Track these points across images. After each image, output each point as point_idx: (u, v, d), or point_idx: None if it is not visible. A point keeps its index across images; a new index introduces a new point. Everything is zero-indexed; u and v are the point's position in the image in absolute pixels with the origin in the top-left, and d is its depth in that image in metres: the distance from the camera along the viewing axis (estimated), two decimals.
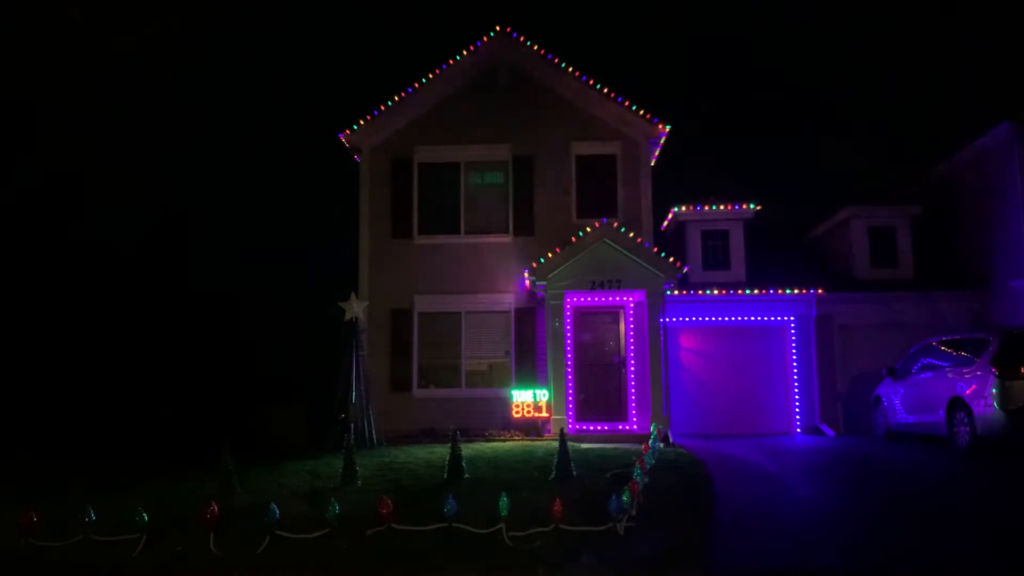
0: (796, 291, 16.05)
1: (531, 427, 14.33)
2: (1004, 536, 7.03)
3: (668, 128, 15.60)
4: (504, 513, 7.09)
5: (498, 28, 16.02)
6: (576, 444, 11.83)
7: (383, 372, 15.32)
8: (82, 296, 19.57)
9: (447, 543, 7.01)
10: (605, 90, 15.75)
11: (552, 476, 9.47)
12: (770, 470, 10.66)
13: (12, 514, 7.76)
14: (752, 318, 16.20)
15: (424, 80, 16.00)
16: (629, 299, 15.08)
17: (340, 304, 14.06)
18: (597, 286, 14.39)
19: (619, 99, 15.71)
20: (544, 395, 14.34)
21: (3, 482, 11.43)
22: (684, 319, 16.14)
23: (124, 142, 20.38)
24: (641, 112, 15.66)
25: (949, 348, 12.37)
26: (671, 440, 13.25)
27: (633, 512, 7.41)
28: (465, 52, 16.02)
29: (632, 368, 14.99)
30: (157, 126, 21.05)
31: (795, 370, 15.96)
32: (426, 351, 15.66)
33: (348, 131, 15.88)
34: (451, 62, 16.02)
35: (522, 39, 16.04)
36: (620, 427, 14.50)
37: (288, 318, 19.93)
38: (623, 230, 14.70)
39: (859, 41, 28.72)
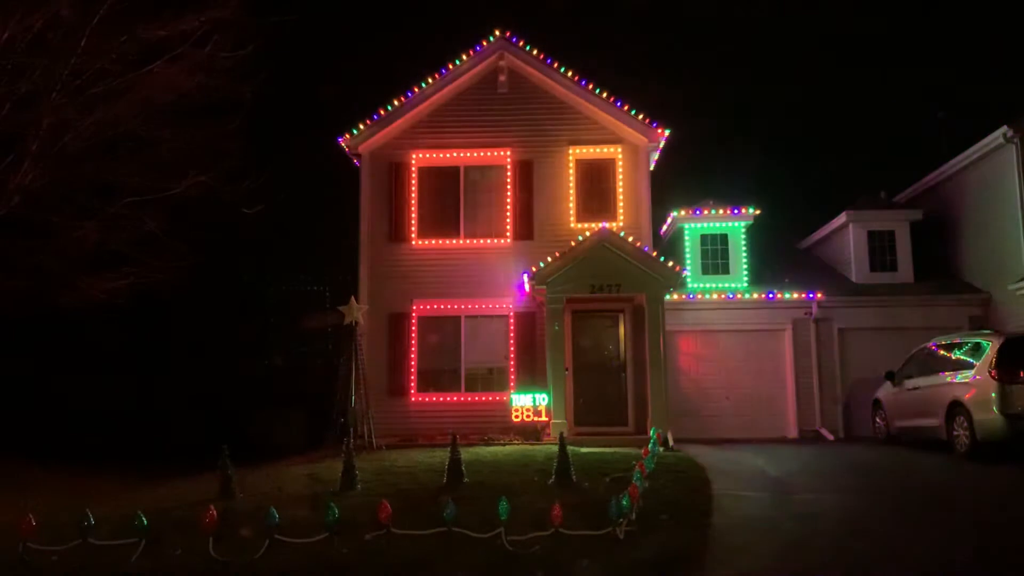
0: (795, 295, 16.05)
1: (531, 431, 14.31)
2: (1004, 540, 7.03)
3: (667, 132, 15.62)
4: (503, 517, 7.08)
5: (498, 33, 16.05)
6: (576, 448, 11.82)
7: (382, 376, 15.32)
8: (80, 298, 19.55)
9: (446, 547, 7.00)
10: (604, 95, 15.77)
11: (551, 480, 9.46)
12: (769, 474, 10.65)
13: (11, 518, 7.76)
14: (752, 322, 16.18)
15: (424, 84, 16.02)
16: (628, 303, 15.08)
17: (339, 308, 14.06)
18: (596, 290, 14.38)
19: (618, 104, 15.73)
20: (544, 399, 14.33)
21: (2, 485, 11.43)
22: (684, 323, 16.11)
23: (121, 143, 20.35)
24: (640, 116, 15.68)
25: (948, 352, 12.37)
26: (671, 444, 13.24)
27: (633, 516, 7.41)
28: (465, 56, 16.04)
29: (631, 372, 14.98)
30: (155, 127, 21.02)
31: (794, 374, 15.93)
32: (425, 355, 15.66)
33: (347, 135, 15.89)
34: (451, 66, 16.04)
35: (521, 44, 16.06)
36: (620, 431, 14.48)
37: (288, 322, 19.93)
38: (622, 234, 14.70)
39: (859, 44, 28.79)
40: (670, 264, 14.49)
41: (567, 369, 14.62)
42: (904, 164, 20.63)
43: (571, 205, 15.80)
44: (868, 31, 29.57)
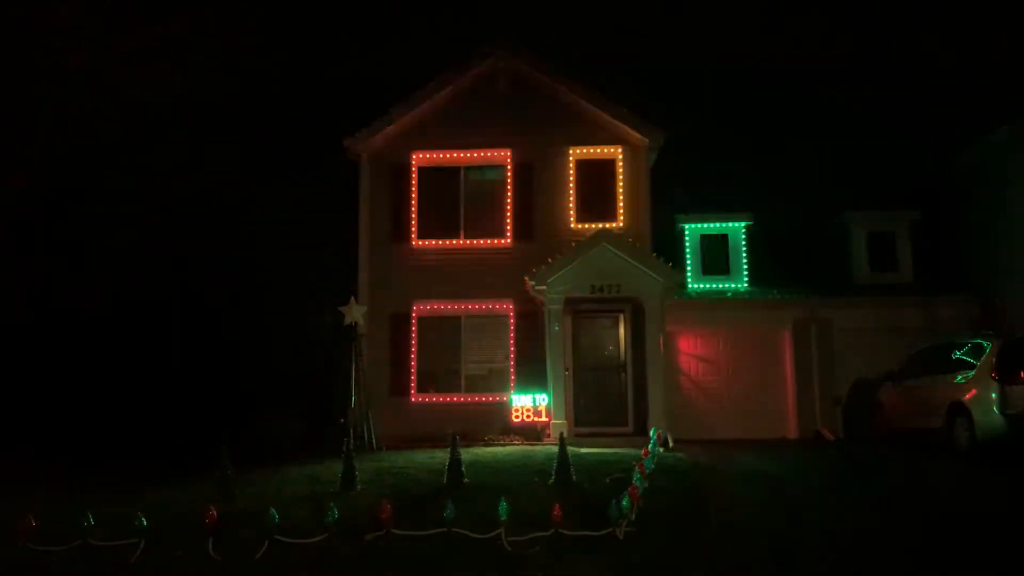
0: (795, 295, 16.05)
1: (531, 432, 14.31)
2: (1004, 542, 7.03)
3: (667, 133, 15.61)
4: (503, 518, 7.10)
5: (498, 34, 16.07)
6: (576, 449, 11.83)
7: (383, 376, 15.31)
8: (81, 300, 19.58)
9: (446, 548, 7.01)
10: (604, 95, 15.77)
11: (551, 481, 9.46)
12: (769, 475, 10.65)
13: (11, 518, 7.77)
14: (752, 322, 16.17)
15: (424, 85, 16.01)
16: (628, 303, 15.07)
17: (340, 309, 14.06)
18: (596, 291, 14.38)
19: (618, 104, 15.72)
20: (544, 400, 14.33)
21: (2, 486, 11.43)
22: (684, 323, 16.10)
23: (121, 144, 20.40)
24: (640, 117, 15.67)
25: (949, 353, 12.36)
26: (671, 444, 13.24)
27: (633, 517, 7.41)
28: (465, 58, 16.05)
29: (631, 372, 14.97)
30: (155, 129, 21.07)
31: (794, 374, 15.92)
32: (426, 356, 15.65)
33: (348, 136, 15.89)
34: (451, 67, 16.04)
35: (522, 45, 16.07)
36: (620, 432, 14.48)
37: (288, 323, 19.93)
38: (623, 235, 14.69)
39: (858, 44, 28.74)
40: (670, 264, 14.49)
41: (567, 370, 14.62)
42: (905, 163, 20.56)
43: (571, 206, 15.80)
44: (867, 29, 29.55)
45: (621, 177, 15.77)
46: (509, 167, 15.94)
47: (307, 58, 25.44)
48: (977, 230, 16.59)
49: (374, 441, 13.51)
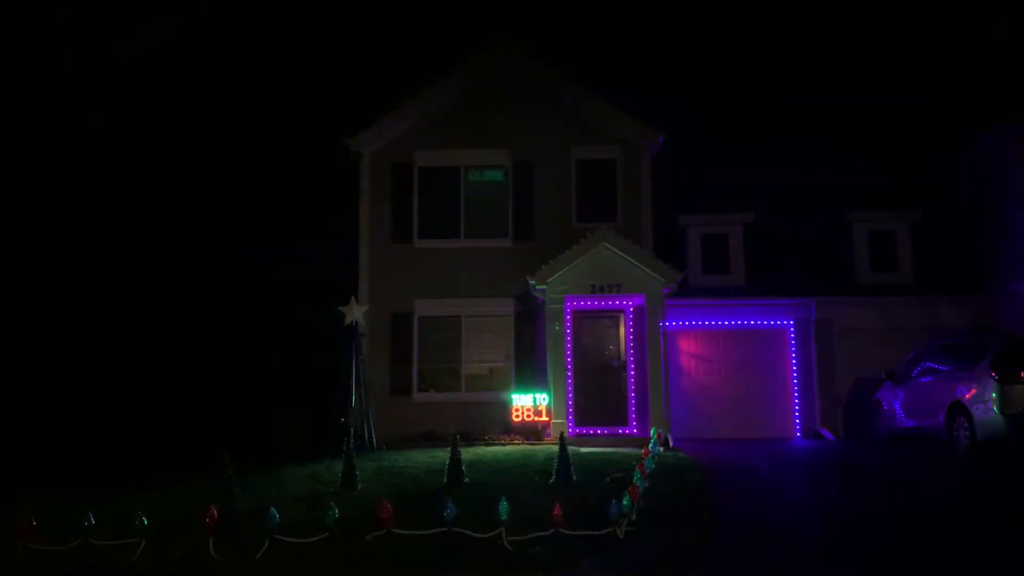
0: (796, 295, 16.04)
1: (531, 431, 14.31)
2: (1003, 541, 7.03)
3: (667, 132, 15.61)
4: (504, 517, 7.10)
5: (498, 34, 16.08)
6: (576, 448, 11.83)
7: (383, 376, 15.31)
8: (80, 300, 19.59)
9: (446, 547, 7.01)
10: (605, 95, 15.77)
11: (552, 480, 9.47)
12: (770, 474, 10.66)
13: (11, 518, 7.78)
14: (752, 322, 16.19)
15: (425, 85, 16.02)
16: (629, 303, 15.09)
17: (340, 308, 14.06)
18: (597, 290, 14.38)
19: (618, 104, 15.72)
20: (544, 399, 14.33)
21: (3, 486, 11.45)
22: (684, 323, 16.13)
23: (124, 144, 20.43)
24: (640, 117, 15.67)
25: (949, 352, 12.37)
26: (671, 444, 13.25)
27: (633, 516, 7.42)
28: (465, 57, 16.05)
29: (632, 372, 14.98)
30: (157, 129, 21.10)
31: (795, 374, 15.94)
32: (426, 355, 15.65)
33: (349, 136, 15.89)
34: (452, 67, 16.05)
35: (522, 44, 16.08)
36: (620, 431, 14.49)
37: (288, 322, 19.94)
38: (623, 235, 14.70)
39: (859, 43, 28.78)
40: (670, 264, 14.49)
41: (568, 369, 14.62)
42: (906, 162, 20.58)
43: (571, 205, 15.80)
44: (866, 28, 29.61)
45: (621, 176, 15.77)
46: (510, 166, 15.94)
47: (310, 57, 25.45)
48: (978, 230, 16.58)
49: (374, 441, 13.51)
